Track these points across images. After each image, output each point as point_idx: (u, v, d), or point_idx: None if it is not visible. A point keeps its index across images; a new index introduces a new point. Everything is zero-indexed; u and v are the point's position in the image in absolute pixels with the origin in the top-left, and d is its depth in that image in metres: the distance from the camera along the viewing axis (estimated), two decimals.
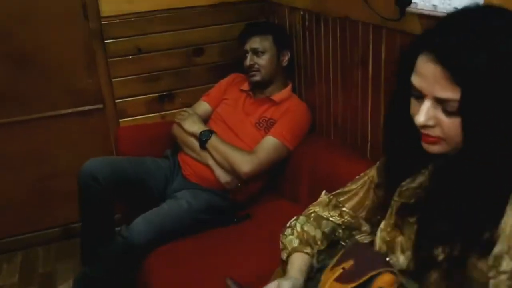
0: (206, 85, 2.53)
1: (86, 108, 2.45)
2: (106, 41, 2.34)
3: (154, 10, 2.38)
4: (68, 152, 2.49)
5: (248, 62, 2.23)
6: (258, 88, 2.29)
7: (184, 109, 2.33)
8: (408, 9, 1.39)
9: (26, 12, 2.26)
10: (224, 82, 2.43)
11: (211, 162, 2.13)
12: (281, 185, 2.22)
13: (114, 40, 2.35)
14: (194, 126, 2.20)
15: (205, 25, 2.48)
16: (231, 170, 2.07)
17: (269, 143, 2.10)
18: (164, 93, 2.52)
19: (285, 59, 2.29)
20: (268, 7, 2.50)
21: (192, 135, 2.19)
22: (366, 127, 1.83)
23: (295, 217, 1.25)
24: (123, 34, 2.36)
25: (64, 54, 2.36)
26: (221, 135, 2.18)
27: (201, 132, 2.15)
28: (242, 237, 1.93)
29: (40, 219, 2.56)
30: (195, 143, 2.17)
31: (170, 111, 2.55)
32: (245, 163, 2.04)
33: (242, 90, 2.33)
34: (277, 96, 2.24)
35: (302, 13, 2.16)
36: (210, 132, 2.15)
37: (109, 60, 2.37)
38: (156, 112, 2.54)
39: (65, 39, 2.34)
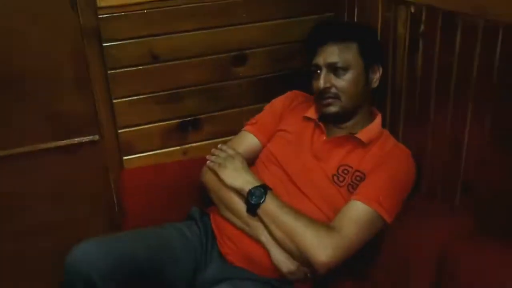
0: (250, 106, 1.78)
1: (76, 140, 1.68)
2: (105, 45, 1.56)
3: None
4: (49, 203, 1.73)
5: (321, 83, 1.45)
6: (333, 120, 1.52)
7: (219, 145, 1.55)
8: None
9: None
10: (278, 104, 1.65)
11: (265, 238, 1.37)
12: (370, 269, 1.46)
13: (117, 42, 1.57)
14: (238, 177, 1.43)
15: (250, 22, 1.70)
16: (299, 255, 1.32)
17: (359, 213, 1.32)
18: (188, 118, 1.75)
19: (376, 77, 1.51)
20: None
21: (235, 191, 1.42)
22: None
23: None
24: (131, 34, 1.58)
25: (43, 64, 1.57)
26: (279, 191, 1.42)
27: (250, 190, 1.38)
28: None
29: None
30: (240, 206, 1.41)
31: (196, 144, 1.79)
32: (323, 248, 1.27)
33: (307, 119, 1.56)
34: (364, 134, 1.47)
35: (412, 9, 1.37)
36: (264, 189, 1.38)
37: (109, 72, 1.60)
38: (175, 146, 1.77)
39: (43, 42, 1.55)
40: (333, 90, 1.45)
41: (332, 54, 1.45)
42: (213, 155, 1.51)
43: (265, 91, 1.76)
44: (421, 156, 1.44)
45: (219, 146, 1.54)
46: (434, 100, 1.36)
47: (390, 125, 1.58)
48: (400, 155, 1.44)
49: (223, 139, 1.76)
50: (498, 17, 1.10)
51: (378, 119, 1.52)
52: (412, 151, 1.45)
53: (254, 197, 1.37)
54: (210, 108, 1.76)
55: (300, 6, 1.73)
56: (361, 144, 1.46)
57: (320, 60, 1.47)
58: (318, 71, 1.48)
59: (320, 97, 1.48)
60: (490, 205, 1.23)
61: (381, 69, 1.51)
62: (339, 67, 1.44)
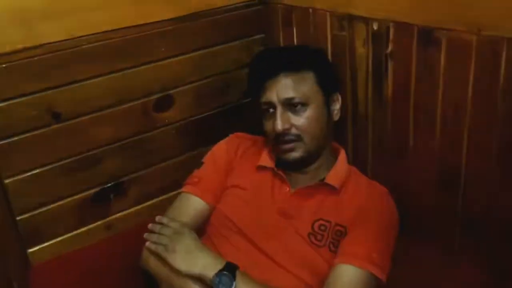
0: (186, 155, 1.47)
1: None
2: None
3: (77, 38, 1.22)
4: None
5: (279, 125, 1.17)
6: (295, 166, 1.26)
7: (158, 218, 1.17)
8: None
9: None
10: (221, 153, 1.34)
11: None
12: None
13: (0, 104, 1.16)
14: (193, 261, 1.08)
15: (171, 56, 1.38)
16: None
17: (353, 279, 1.07)
18: (108, 184, 1.37)
19: (337, 108, 1.28)
20: (279, 13, 1.45)
21: (194, 278, 1.10)
22: None
23: None
24: (19, 91, 1.17)
25: None
26: (246, 266, 1.11)
27: (215, 276, 1.05)
28: None
29: None
30: None
31: (122, 213, 1.42)
32: None
33: (262, 168, 1.28)
34: (333, 177, 1.22)
35: (375, 26, 1.17)
36: (231, 272, 1.07)
37: None
38: (96, 221, 1.39)
39: None
40: (293, 131, 1.19)
41: (286, 88, 1.19)
42: (152, 232, 1.16)
43: (199, 135, 1.47)
44: (400, 193, 1.24)
45: (157, 218, 1.19)
46: (413, 126, 1.17)
47: (354, 160, 1.36)
48: (380, 196, 1.22)
49: (155, 200, 1.43)
50: (498, 33, 0.92)
51: (342, 156, 1.29)
52: (388, 187, 1.24)
53: (221, 285, 1.05)
54: (134, 167, 1.40)
55: (226, 30, 1.46)
56: (332, 190, 1.22)
57: (273, 96, 1.19)
58: (270, 110, 1.21)
59: (278, 141, 1.21)
60: (500, 245, 1.06)
61: (340, 98, 1.29)
62: (297, 102, 1.19)
